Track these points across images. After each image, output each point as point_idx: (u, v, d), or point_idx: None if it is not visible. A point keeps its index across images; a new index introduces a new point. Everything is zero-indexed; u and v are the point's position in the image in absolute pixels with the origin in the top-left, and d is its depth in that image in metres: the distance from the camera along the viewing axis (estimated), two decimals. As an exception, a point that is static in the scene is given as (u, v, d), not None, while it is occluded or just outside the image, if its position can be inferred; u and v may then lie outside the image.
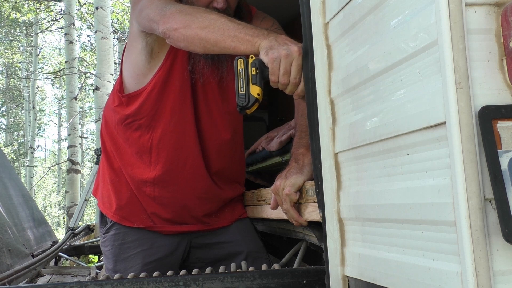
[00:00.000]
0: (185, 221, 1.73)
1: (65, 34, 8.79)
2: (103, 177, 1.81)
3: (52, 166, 16.86)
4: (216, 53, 1.41)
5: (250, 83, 1.27)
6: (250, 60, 1.28)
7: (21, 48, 16.42)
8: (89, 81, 12.53)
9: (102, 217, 1.78)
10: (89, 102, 17.87)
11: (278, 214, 1.43)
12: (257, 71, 1.26)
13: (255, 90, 1.27)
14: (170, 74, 1.63)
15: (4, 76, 16.87)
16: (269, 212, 1.54)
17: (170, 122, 1.65)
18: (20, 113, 18.43)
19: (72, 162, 8.67)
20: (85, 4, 10.58)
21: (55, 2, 11.36)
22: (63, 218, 16.83)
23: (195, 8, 1.45)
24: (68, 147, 9.14)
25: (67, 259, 3.73)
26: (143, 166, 1.68)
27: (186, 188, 1.68)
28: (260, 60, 1.26)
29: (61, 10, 10.35)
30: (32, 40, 14.52)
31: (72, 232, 3.89)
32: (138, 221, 1.71)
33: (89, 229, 4.53)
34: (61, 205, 17.64)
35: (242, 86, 1.27)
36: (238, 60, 1.27)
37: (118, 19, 12.05)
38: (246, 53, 1.30)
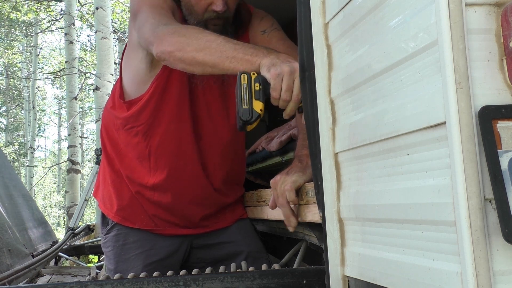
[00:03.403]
0: (185, 225, 1.74)
1: (65, 34, 8.78)
2: (103, 178, 1.81)
3: (52, 166, 16.87)
4: (215, 74, 1.38)
5: (254, 98, 1.25)
6: (253, 76, 1.26)
7: (21, 48, 16.41)
8: (89, 81, 12.53)
9: (103, 217, 1.78)
10: (89, 102, 17.86)
11: (278, 215, 1.43)
12: (260, 86, 1.25)
13: (258, 106, 1.25)
14: (168, 82, 1.61)
15: (4, 76, 16.86)
16: (269, 213, 1.53)
17: (167, 130, 1.64)
18: (20, 113, 18.42)
19: (72, 162, 8.67)
20: (85, 4, 10.58)
21: (55, 2, 11.36)
22: (63, 218, 16.83)
23: (188, 28, 1.42)
24: (68, 147, 9.13)
25: (67, 259, 3.73)
26: (143, 170, 1.67)
27: (185, 195, 1.68)
28: (263, 77, 1.25)
29: (61, 10, 10.35)
30: (32, 40, 14.51)
31: (72, 232, 3.90)
32: (139, 222, 1.71)
33: (89, 229, 4.53)
34: (61, 205, 17.64)
35: (245, 101, 1.25)
36: (242, 75, 1.26)
37: (118, 19, 12.05)
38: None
